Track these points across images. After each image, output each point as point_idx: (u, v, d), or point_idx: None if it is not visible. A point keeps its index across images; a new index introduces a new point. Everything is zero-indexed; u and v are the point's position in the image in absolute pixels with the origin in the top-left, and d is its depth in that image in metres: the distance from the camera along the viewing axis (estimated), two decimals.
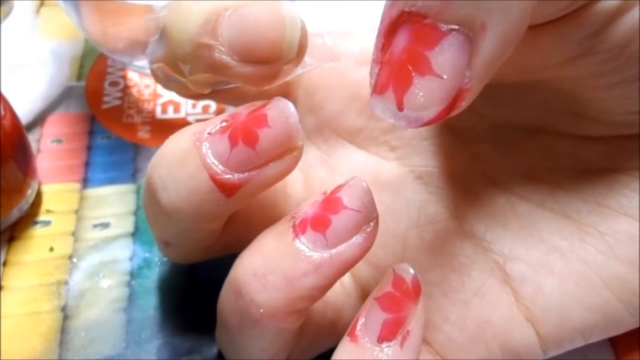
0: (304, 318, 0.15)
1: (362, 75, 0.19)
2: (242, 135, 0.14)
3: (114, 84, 0.28)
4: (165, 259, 0.22)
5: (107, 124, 0.26)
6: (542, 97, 0.17)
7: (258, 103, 0.15)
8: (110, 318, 0.20)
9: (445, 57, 0.11)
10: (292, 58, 0.15)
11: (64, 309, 0.20)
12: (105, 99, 0.27)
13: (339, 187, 0.15)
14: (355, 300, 0.18)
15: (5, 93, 0.22)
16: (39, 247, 0.22)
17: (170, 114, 0.27)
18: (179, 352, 0.19)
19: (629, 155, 0.16)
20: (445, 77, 0.11)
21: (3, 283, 0.21)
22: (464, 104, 0.11)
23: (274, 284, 0.14)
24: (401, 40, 0.11)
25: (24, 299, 0.20)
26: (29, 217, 0.23)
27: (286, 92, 0.20)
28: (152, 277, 0.21)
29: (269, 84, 0.15)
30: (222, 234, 0.17)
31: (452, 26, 0.10)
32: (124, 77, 0.28)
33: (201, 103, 0.27)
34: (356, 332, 0.14)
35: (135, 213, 0.23)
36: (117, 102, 0.27)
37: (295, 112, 0.14)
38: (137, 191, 0.24)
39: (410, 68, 0.11)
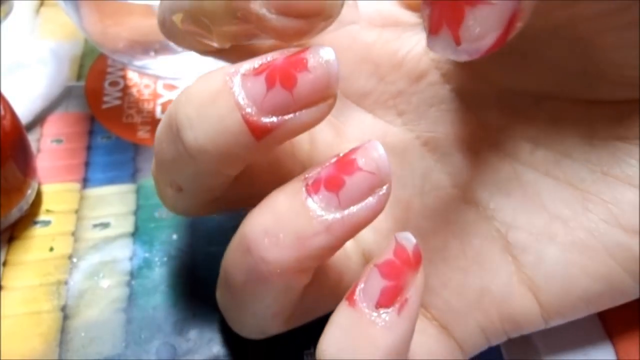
0: (310, 277, 0.15)
1: (373, 38, 0.19)
2: (280, 77, 0.14)
3: (114, 83, 0.28)
4: (165, 259, 0.22)
5: (107, 124, 0.26)
6: (555, 55, 0.16)
7: (295, 49, 0.14)
8: (110, 318, 0.20)
9: None
10: (334, 14, 0.14)
11: (63, 308, 0.20)
12: (105, 98, 0.27)
13: (355, 149, 0.15)
14: (357, 264, 0.18)
15: (5, 93, 0.22)
16: (39, 247, 0.22)
17: None
18: (179, 352, 0.19)
19: (636, 124, 0.16)
20: (495, 1, 0.10)
21: (3, 283, 0.21)
22: (519, 25, 0.11)
23: (285, 243, 0.14)
24: None
25: (24, 299, 0.20)
26: (29, 217, 0.23)
27: None
28: (152, 277, 0.21)
29: (300, 39, 0.15)
30: (231, 186, 0.17)
31: None
32: (124, 77, 0.28)
33: None
34: (355, 297, 0.14)
35: (135, 213, 0.23)
36: (117, 102, 0.27)
37: (336, 59, 0.14)
38: (137, 191, 0.24)
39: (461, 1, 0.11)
